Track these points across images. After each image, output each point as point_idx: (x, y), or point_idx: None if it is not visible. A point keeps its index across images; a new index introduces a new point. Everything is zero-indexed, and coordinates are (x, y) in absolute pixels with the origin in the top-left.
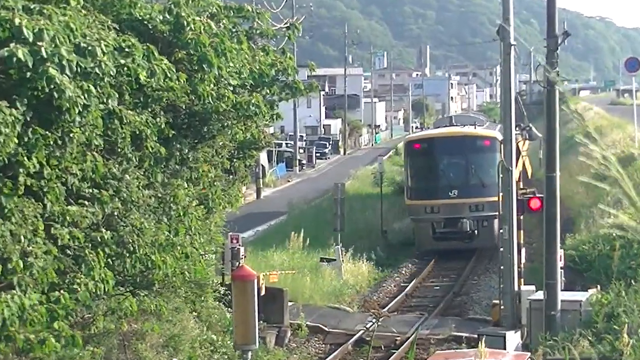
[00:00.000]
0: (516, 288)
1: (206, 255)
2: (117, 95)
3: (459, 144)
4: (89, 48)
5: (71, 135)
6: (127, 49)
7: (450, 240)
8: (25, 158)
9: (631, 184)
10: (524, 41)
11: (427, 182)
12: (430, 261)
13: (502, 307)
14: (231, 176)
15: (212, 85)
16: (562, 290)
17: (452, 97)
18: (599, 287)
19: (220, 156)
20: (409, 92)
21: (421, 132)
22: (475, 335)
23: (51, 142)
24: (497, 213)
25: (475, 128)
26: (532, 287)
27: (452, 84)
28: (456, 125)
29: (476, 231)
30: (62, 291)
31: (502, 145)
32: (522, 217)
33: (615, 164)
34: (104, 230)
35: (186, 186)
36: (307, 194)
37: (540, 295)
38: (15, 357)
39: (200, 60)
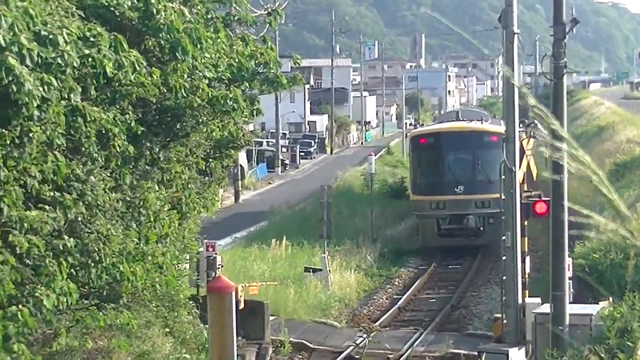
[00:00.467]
0: (520, 300)
1: (179, 265)
2: (81, 90)
3: (466, 140)
4: (50, 37)
5: (30, 133)
6: (92, 39)
7: (456, 237)
8: None
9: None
10: (528, 29)
11: (433, 178)
12: (426, 270)
13: (504, 321)
14: (207, 178)
15: (185, 77)
16: (570, 303)
17: (449, 91)
18: (611, 299)
19: (194, 156)
20: (402, 85)
21: (427, 126)
22: (475, 353)
23: (8, 141)
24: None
25: (482, 123)
26: (538, 300)
27: (449, 76)
28: (463, 120)
29: (482, 228)
30: (20, 306)
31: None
32: (526, 223)
33: (591, 165)
34: (66, 238)
35: (157, 189)
36: (290, 198)
37: (546, 308)
38: None
39: (173, 47)
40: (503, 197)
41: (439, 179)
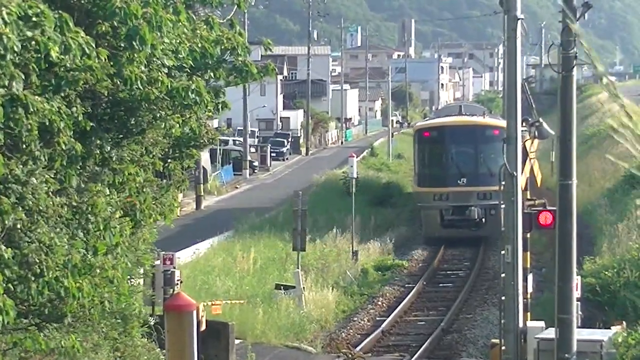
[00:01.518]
0: (521, 324)
1: (132, 280)
2: (23, 77)
3: (469, 133)
4: None
5: None
6: (34, 18)
7: (458, 228)
8: None
9: None
10: (533, 14)
11: (437, 170)
12: (413, 288)
13: (503, 347)
14: (165, 181)
15: (142, 67)
16: (578, 327)
17: (442, 84)
18: (624, 323)
19: (151, 156)
20: (389, 77)
21: (430, 120)
22: None
23: None
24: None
25: (484, 117)
26: (541, 324)
27: (442, 67)
28: (465, 115)
29: (484, 219)
30: None
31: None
32: (529, 236)
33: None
34: (3, 248)
35: (108, 193)
36: (259, 204)
37: (551, 333)
38: None
39: (130, 35)
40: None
41: (442, 172)
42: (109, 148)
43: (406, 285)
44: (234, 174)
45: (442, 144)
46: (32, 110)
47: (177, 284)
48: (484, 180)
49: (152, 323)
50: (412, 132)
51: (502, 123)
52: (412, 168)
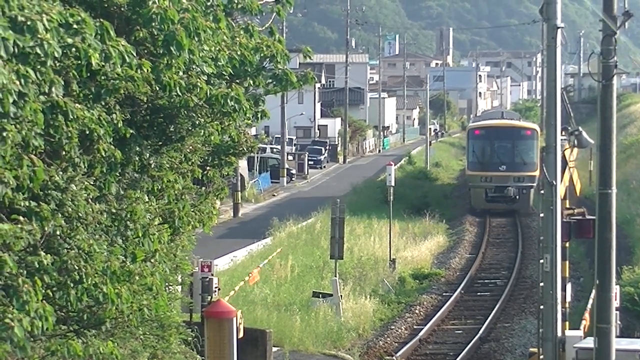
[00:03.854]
0: (559, 333)
1: (171, 287)
2: (63, 84)
3: (508, 132)
4: (28, 23)
5: (4, 132)
6: (75, 26)
7: (498, 202)
8: None
9: None
10: (571, 23)
11: (484, 158)
12: (450, 297)
13: (541, 356)
14: (203, 188)
15: (180, 74)
16: (617, 336)
17: (480, 93)
18: None
19: (190, 163)
20: (427, 85)
21: (479, 122)
22: None
23: None
24: (534, 184)
25: (519, 121)
26: (580, 333)
27: (480, 76)
28: (505, 119)
29: (518, 197)
30: None
31: (539, 138)
32: (567, 245)
33: None
34: (42, 254)
35: (147, 200)
36: (297, 212)
37: (590, 342)
38: None
39: (167, 41)
40: (541, 214)
41: (488, 160)
42: (148, 155)
43: (444, 294)
44: (272, 182)
45: (489, 139)
46: (72, 117)
47: (215, 291)
48: (519, 167)
49: (190, 332)
50: (465, 132)
51: (534, 126)
52: (465, 157)
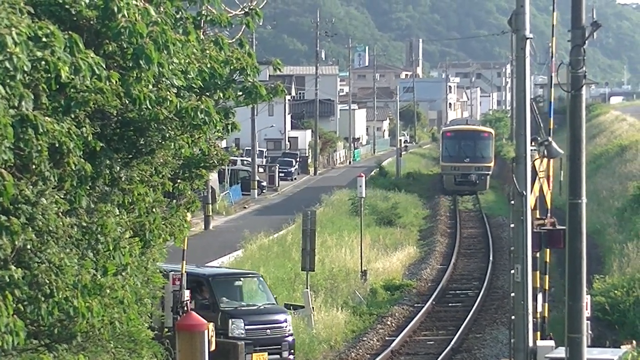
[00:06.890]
0: (531, 343)
1: (142, 301)
2: (33, 97)
3: (471, 134)
4: None
5: None
6: (44, 39)
7: (464, 186)
8: None
9: None
10: (540, 34)
11: (453, 153)
12: (422, 308)
13: None
14: (174, 201)
15: (150, 87)
16: (588, 346)
17: (450, 104)
18: (634, 342)
19: (160, 176)
20: (397, 97)
21: (450, 126)
22: None
23: None
24: (490, 172)
25: (479, 126)
26: (552, 343)
27: (450, 87)
28: (469, 124)
29: (477, 181)
30: None
31: (493, 138)
32: (538, 255)
33: None
34: (13, 268)
35: (118, 213)
36: (267, 224)
37: (561, 352)
38: None
39: (136, 54)
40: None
41: (456, 154)
42: (118, 168)
43: (415, 305)
44: (243, 194)
45: (457, 139)
46: (42, 130)
47: (186, 304)
48: (479, 160)
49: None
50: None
51: (490, 130)
52: (440, 152)
